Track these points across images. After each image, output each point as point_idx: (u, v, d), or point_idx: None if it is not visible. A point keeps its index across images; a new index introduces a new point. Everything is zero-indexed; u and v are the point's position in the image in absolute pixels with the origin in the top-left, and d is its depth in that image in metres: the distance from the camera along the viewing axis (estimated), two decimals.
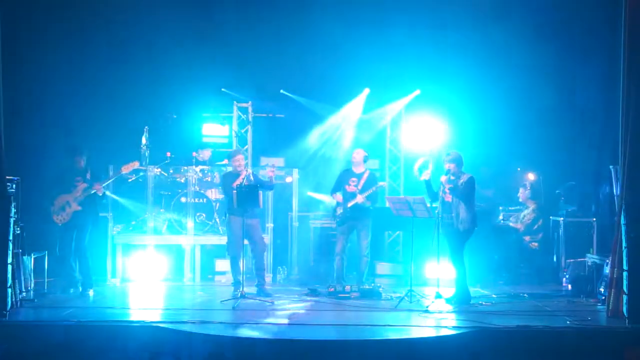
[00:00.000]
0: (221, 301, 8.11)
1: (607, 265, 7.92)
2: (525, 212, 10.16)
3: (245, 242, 8.58)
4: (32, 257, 8.48)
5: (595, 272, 8.69)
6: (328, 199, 9.78)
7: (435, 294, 8.05)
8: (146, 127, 10.19)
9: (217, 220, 10.10)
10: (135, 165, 8.92)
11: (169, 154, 10.21)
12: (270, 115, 11.48)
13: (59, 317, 7.25)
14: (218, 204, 10.23)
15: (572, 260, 9.37)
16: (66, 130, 10.21)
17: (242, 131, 11.06)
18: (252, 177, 8.66)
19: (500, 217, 10.53)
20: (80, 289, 8.60)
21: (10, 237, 7.28)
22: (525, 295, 8.82)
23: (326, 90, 11.09)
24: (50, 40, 10.43)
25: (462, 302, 8.11)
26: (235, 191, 8.40)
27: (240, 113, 11.10)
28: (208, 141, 10.90)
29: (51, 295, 8.45)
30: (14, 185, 8.14)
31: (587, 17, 10.21)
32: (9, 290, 7.18)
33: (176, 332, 6.64)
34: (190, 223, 9.94)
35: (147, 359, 6.49)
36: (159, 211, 10.13)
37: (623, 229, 7.21)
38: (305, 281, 9.73)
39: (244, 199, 8.29)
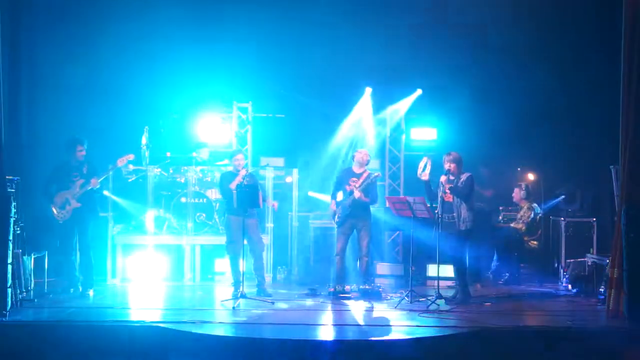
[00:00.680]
0: (221, 301, 8.11)
1: (607, 265, 7.92)
2: (521, 212, 10.15)
3: (245, 242, 8.58)
4: (32, 257, 8.48)
5: (595, 272, 8.70)
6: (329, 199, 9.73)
7: (435, 294, 8.05)
8: (146, 127, 10.18)
9: (217, 220, 10.10)
10: (130, 157, 8.90)
11: (169, 154, 10.21)
12: (270, 115, 11.48)
13: (59, 317, 7.25)
14: (218, 204, 10.22)
15: (572, 260, 9.37)
16: (66, 130, 10.18)
17: (242, 131, 11.06)
18: (247, 179, 8.61)
19: (500, 217, 10.53)
20: (81, 289, 8.59)
21: (10, 237, 7.28)
22: (525, 295, 8.81)
23: (326, 90, 11.07)
24: (50, 41, 10.43)
25: (462, 302, 8.11)
26: (235, 191, 8.40)
27: (240, 113, 11.10)
28: (208, 141, 10.88)
29: (51, 295, 8.45)
30: (14, 185, 8.14)
31: (587, 17, 10.20)
32: (9, 290, 7.19)
33: (176, 332, 6.64)
34: (190, 223, 9.94)
35: (147, 359, 6.49)
36: (158, 211, 10.14)
37: (623, 229, 7.21)
38: (305, 281, 9.73)
39: (243, 199, 8.29)
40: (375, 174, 8.89)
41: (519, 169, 11.17)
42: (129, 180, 10.14)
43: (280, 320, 7.29)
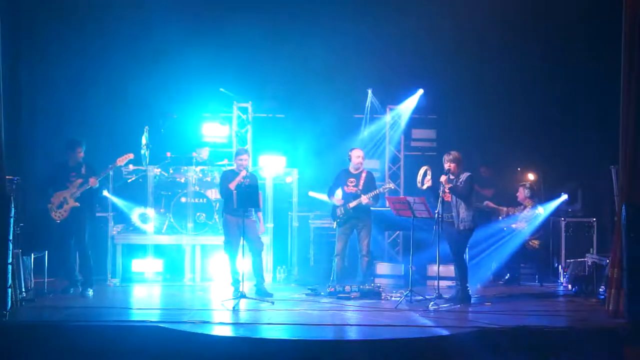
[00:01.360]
0: (221, 301, 8.11)
1: (607, 265, 7.92)
2: (524, 211, 10.14)
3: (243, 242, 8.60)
4: (32, 257, 8.48)
5: (595, 272, 8.70)
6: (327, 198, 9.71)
7: (435, 294, 8.05)
8: (146, 127, 10.18)
9: (217, 220, 10.10)
10: (130, 156, 8.91)
11: (169, 154, 10.20)
12: (270, 115, 11.48)
13: (59, 317, 7.25)
14: (218, 204, 10.21)
15: (572, 260, 9.37)
16: (66, 130, 10.20)
17: (242, 131, 11.06)
18: (247, 179, 8.60)
19: (500, 217, 10.52)
20: (80, 289, 8.60)
21: (10, 237, 7.28)
22: (525, 295, 8.81)
23: (326, 90, 11.07)
24: (50, 41, 10.44)
25: (462, 302, 8.11)
26: (235, 191, 8.40)
27: (240, 113, 11.10)
28: (208, 141, 10.89)
29: (51, 295, 8.45)
30: (14, 186, 8.14)
31: (586, 17, 10.20)
32: (9, 290, 7.18)
33: (176, 332, 6.64)
34: (190, 223, 9.94)
35: (147, 359, 6.49)
36: (159, 211, 10.14)
37: (623, 228, 7.21)
38: (305, 281, 9.73)
39: (243, 199, 8.29)
40: (388, 185, 9.18)
41: (519, 169, 11.17)
42: (129, 180, 10.13)
43: (280, 320, 7.29)
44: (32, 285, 8.40)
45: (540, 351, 6.59)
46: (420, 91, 11.06)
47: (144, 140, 10.11)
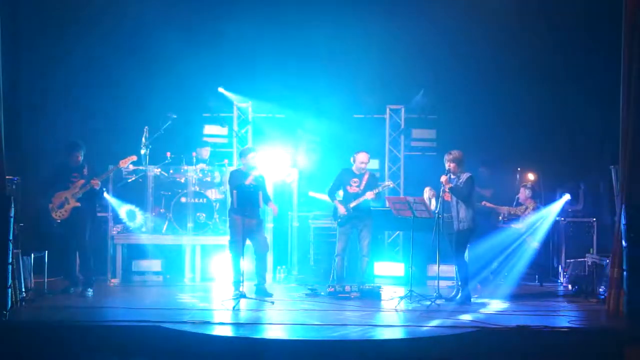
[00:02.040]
0: (221, 301, 8.10)
1: (607, 265, 7.92)
2: (525, 212, 10.14)
3: (248, 242, 8.59)
4: (32, 257, 8.47)
5: (595, 272, 8.70)
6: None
7: (435, 294, 8.05)
8: (146, 127, 10.18)
9: (217, 220, 10.10)
10: (133, 159, 8.92)
11: (169, 154, 10.20)
12: (270, 115, 11.48)
13: (59, 317, 7.24)
14: (218, 204, 10.22)
15: (572, 260, 9.37)
16: (66, 130, 10.21)
17: (242, 131, 11.06)
18: (253, 181, 8.60)
19: (500, 217, 10.52)
20: (80, 289, 8.59)
21: (10, 237, 7.28)
22: (525, 295, 8.81)
23: (326, 90, 11.07)
24: (50, 41, 10.44)
25: (462, 302, 8.11)
26: (235, 191, 8.39)
27: (240, 113, 11.10)
28: (208, 141, 10.89)
29: (51, 295, 8.45)
30: (14, 185, 8.13)
31: (586, 17, 10.21)
32: (9, 290, 7.18)
33: (176, 332, 6.63)
34: (190, 223, 9.94)
35: (147, 359, 6.49)
36: (159, 211, 10.15)
37: (623, 228, 7.21)
38: (305, 281, 9.73)
39: (243, 198, 8.28)
40: (387, 183, 9.31)
41: (519, 169, 11.17)
42: (129, 180, 10.13)
43: (280, 320, 7.29)
44: (32, 285, 8.40)
45: (540, 351, 6.58)
46: (421, 91, 11.08)
47: (143, 140, 10.11)
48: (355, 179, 8.95)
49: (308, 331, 6.85)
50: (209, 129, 11.08)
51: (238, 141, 10.98)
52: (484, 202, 10.25)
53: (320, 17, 10.58)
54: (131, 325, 6.88)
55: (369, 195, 8.75)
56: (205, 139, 10.98)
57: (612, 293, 7.40)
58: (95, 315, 7.35)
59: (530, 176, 10.95)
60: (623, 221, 7.21)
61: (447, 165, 8.28)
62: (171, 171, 10.26)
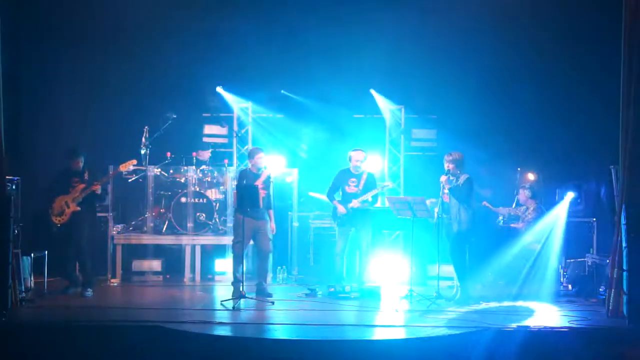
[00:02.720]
0: (221, 301, 8.10)
1: (607, 265, 7.92)
2: (526, 212, 10.13)
3: (251, 242, 8.60)
4: (32, 257, 8.47)
5: (595, 272, 8.70)
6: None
7: (436, 294, 8.05)
8: (146, 127, 10.18)
9: (217, 220, 10.10)
10: (133, 162, 8.92)
11: (169, 154, 10.21)
12: (270, 115, 11.49)
13: (59, 317, 7.24)
14: (218, 204, 10.23)
15: (572, 260, 9.36)
16: (66, 130, 10.21)
17: (242, 131, 11.06)
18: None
19: (500, 217, 10.52)
20: (80, 289, 8.59)
21: (11, 237, 7.27)
22: (525, 295, 8.81)
23: (327, 90, 11.08)
24: (50, 41, 10.44)
25: (462, 302, 8.12)
26: (235, 190, 8.38)
27: (240, 113, 11.10)
28: (208, 141, 10.89)
29: (51, 295, 8.44)
30: (14, 186, 8.13)
31: (586, 17, 10.20)
32: (9, 290, 7.18)
33: (176, 332, 6.63)
34: (190, 223, 9.94)
35: (147, 359, 6.49)
36: (159, 211, 10.15)
37: (623, 229, 7.21)
38: (305, 281, 9.73)
39: (243, 198, 8.27)
40: (386, 183, 9.26)
41: (519, 169, 11.16)
42: (129, 180, 10.14)
43: (280, 320, 7.29)
44: (32, 285, 8.39)
45: (540, 351, 6.58)
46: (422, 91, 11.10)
47: (143, 140, 10.11)
48: (354, 179, 8.95)
49: (308, 331, 6.86)
50: (209, 129, 11.08)
51: (238, 141, 10.98)
52: (484, 202, 10.25)
53: (321, 17, 10.57)
54: (131, 325, 6.89)
55: (364, 197, 8.74)
56: (205, 139, 10.98)
57: (612, 293, 7.39)
58: (95, 315, 7.34)
59: (530, 176, 10.94)
60: (623, 221, 7.21)
61: (446, 166, 8.28)
62: (171, 171, 10.27)
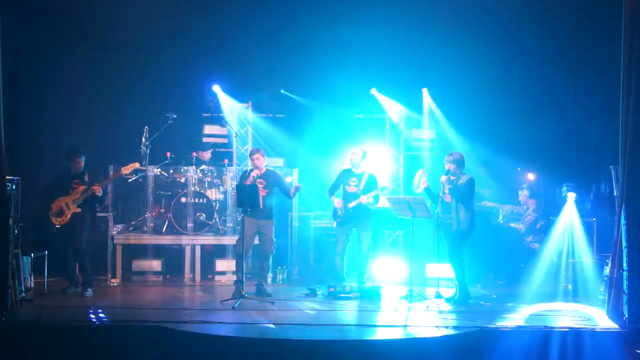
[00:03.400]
0: (221, 301, 8.10)
1: (607, 265, 7.92)
2: (527, 212, 10.15)
3: (256, 241, 8.61)
4: (32, 257, 8.47)
5: (595, 272, 8.69)
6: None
7: (435, 294, 8.05)
8: (146, 127, 10.19)
9: (217, 220, 10.11)
10: (135, 166, 8.91)
11: (169, 154, 10.21)
12: (270, 115, 11.49)
13: (59, 317, 7.24)
14: (218, 204, 10.23)
15: (572, 260, 9.36)
16: (66, 130, 10.21)
17: (242, 131, 11.06)
18: (261, 179, 8.60)
19: (500, 217, 10.52)
20: (80, 289, 8.59)
21: (11, 237, 7.27)
22: (525, 295, 8.81)
23: (327, 90, 11.08)
24: (50, 41, 10.44)
25: (462, 302, 8.12)
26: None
27: (240, 113, 11.09)
28: (208, 141, 10.89)
29: (51, 295, 8.44)
30: (14, 186, 8.13)
31: (587, 17, 10.20)
32: (9, 290, 7.18)
33: (176, 332, 6.63)
34: (190, 223, 9.94)
35: (147, 359, 6.49)
36: (159, 211, 10.15)
37: (623, 229, 7.20)
38: (305, 281, 9.73)
39: (243, 198, 8.27)
40: (387, 184, 9.20)
41: (519, 169, 11.16)
42: (129, 180, 10.14)
43: (280, 320, 7.29)
44: (32, 285, 8.39)
45: (540, 351, 6.58)
46: (424, 90, 11.09)
47: (143, 140, 10.11)
48: (354, 179, 8.95)
49: (308, 331, 6.86)
50: (209, 129, 11.07)
51: (238, 141, 10.98)
52: (484, 202, 10.24)
53: (321, 16, 10.58)
54: (131, 325, 6.89)
55: (363, 199, 8.73)
56: (205, 139, 10.98)
57: (612, 293, 7.39)
58: (95, 315, 7.34)
59: (530, 176, 10.94)
60: (623, 221, 7.21)
61: (447, 166, 8.28)
62: (171, 171, 10.27)
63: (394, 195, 10.31)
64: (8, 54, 7.79)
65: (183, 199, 10.03)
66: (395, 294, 8.60)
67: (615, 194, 7.83)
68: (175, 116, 10.43)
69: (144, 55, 10.63)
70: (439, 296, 8.02)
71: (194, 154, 10.39)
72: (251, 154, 8.81)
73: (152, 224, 10.10)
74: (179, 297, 8.78)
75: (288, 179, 10.58)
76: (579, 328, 7.00)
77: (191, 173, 10.15)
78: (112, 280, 9.58)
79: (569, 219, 9.56)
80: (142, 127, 10.17)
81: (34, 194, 9.09)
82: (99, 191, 8.47)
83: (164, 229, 10.06)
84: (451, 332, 6.83)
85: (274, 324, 7.13)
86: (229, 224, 10.23)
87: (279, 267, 10.04)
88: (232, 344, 6.46)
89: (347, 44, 10.83)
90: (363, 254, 8.92)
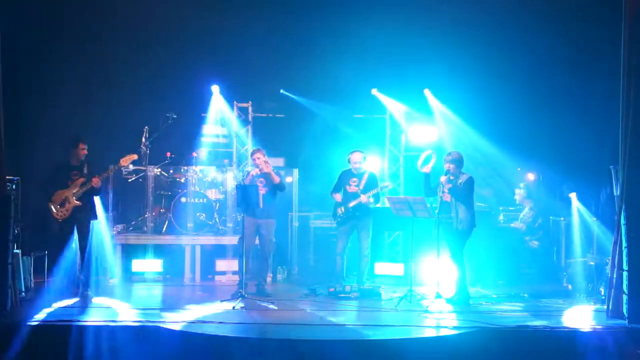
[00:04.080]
0: (221, 301, 8.10)
1: (607, 265, 7.92)
2: (525, 211, 10.16)
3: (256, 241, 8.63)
4: (32, 257, 8.46)
5: (595, 272, 8.69)
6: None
7: (435, 294, 8.05)
8: (146, 127, 10.19)
9: (217, 220, 10.11)
10: (134, 157, 8.79)
11: (169, 154, 10.21)
12: (270, 115, 11.49)
13: (59, 317, 7.24)
14: (218, 204, 10.23)
15: (572, 260, 9.36)
16: (66, 130, 10.19)
17: (242, 131, 11.06)
18: (261, 179, 8.59)
19: (500, 217, 10.52)
20: (80, 289, 8.57)
21: (10, 237, 7.27)
22: (525, 295, 8.81)
23: (327, 90, 11.08)
24: (50, 41, 10.43)
25: (462, 302, 8.12)
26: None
27: (240, 113, 11.11)
28: (208, 141, 10.90)
29: (51, 295, 8.44)
30: (14, 186, 8.12)
31: (587, 16, 10.20)
32: (9, 290, 7.18)
33: (176, 332, 6.63)
34: (190, 223, 9.94)
35: (147, 359, 6.49)
36: (159, 211, 10.15)
37: (623, 229, 7.21)
38: (305, 281, 9.73)
39: (242, 197, 8.27)
40: (386, 183, 9.23)
41: (519, 169, 11.17)
42: (129, 180, 10.14)
43: (280, 320, 7.29)
44: (32, 285, 8.39)
45: (540, 351, 6.58)
46: (426, 90, 11.09)
47: (143, 140, 10.11)
48: (355, 179, 8.95)
49: (308, 331, 6.86)
50: (208, 129, 11.08)
51: (238, 141, 10.98)
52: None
53: (321, 16, 10.58)
54: (131, 326, 6.89)
55: (363, 198, 8.73)
56: (205, 139, 10.98)
57: (612, 293, 7.39)
58: (95, 315, 7.34)
59: (530, 176, 10.94)
60: (623, 221, 7.21)
61: (446, 166, 8.28)
62: (171, 171, 10.28)
63: (394, 195, 10.32)
64: (8, 54, 7.79)
65: (183, 199, 10.03)
66: (395, 294, 8.60)
67: (615, 194, 7.83)
68: (175, 116, 10.43)
69: (144, 55, 10.63)
70: (438, 296, 8.02)
71: (194, 154, 10.40)
72: (251, 154, 8.82)
73: (152, 224, 10.10)
74: (179, 297, 8.77)
75: (288, 179, 10.59)
76: (579, 328, 7.00)
77: (191, 173, 10.17)
78: (112, 280, 9.58)
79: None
80: (142, 127, 10.17)
81: (34, 193, 9.07)
82: (98, 183, 8.37)
83: (164, 228, 10.06)
84: (451, 332, 6.83)
85: (274, 324, 7.13)
86: (229, 224, 10.23)
87: (279, 267, 10.04)
88: (232, 344, 6.45)
89: (347, 44, 10.83)
90: (363, 253, 8.92)
